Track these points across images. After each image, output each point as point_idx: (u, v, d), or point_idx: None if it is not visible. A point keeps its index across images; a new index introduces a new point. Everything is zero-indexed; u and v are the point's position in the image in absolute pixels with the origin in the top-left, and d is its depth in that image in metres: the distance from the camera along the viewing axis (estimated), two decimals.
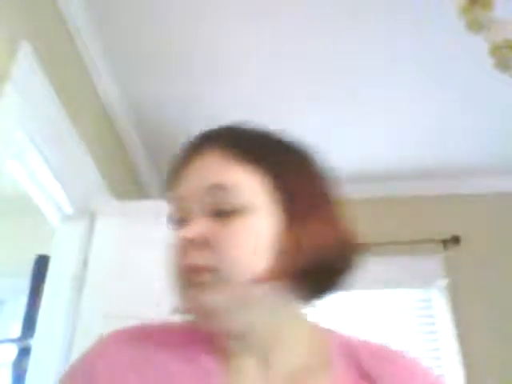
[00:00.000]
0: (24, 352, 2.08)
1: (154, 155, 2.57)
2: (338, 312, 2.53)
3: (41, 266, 2.18)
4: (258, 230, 0.58)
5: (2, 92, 1.34)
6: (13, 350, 2.22)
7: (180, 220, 0.62)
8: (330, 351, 0.65)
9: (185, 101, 2.26)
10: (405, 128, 2.44)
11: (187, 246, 0.58)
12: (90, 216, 1.96)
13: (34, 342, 1.83)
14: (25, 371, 1.86)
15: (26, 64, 1.44)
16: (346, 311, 2.54)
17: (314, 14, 1.87)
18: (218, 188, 0.59)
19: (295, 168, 0.64)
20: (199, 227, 0.59)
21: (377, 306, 2.57)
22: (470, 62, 2.02)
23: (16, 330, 2.46)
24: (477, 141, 2.52)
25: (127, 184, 2.53)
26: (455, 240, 2.62)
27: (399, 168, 2.69)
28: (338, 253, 0.62)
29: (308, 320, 0.67)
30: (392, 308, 2.57)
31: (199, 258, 0.58)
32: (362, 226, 2.80)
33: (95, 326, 1.75)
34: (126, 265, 1.82)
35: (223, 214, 0.58)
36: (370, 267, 2.89)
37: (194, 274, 0.58)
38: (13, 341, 2.34)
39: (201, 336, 0.63)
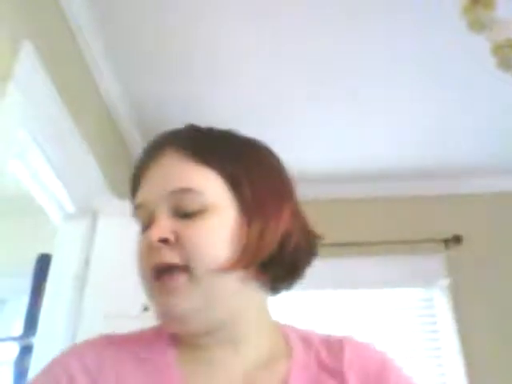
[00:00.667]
0: (26, 350, 2.09)
1: None
2: (339, 311, 2.53)
3: (43, 264, 2.18)
4: (221, 227, 0.61)
5: (4, 91, 1.34)
6: (15, 349, 2.22)
7: (147, 226, 0.64)
8: (290, 341, 0.68)
9: (186, 100, 2.26)
10: (405, 128, 2.44)
11: (154, 247, 0.60)
12: (92, 215, 1.96)
13: (36, 341, 1.84)
14: (26, 369, 1.87)
15: (28, 63, 1.44)
16: (348, 311, 2.55)
17: (314, 14, 1.87)
18: (183, 192, 0.61)
19: (252, 167, 0.66)
20: (166, 227, 0.60)
21: (378, 305, 2.58)
22: (470, 62, 2.02)
23: (18, 329, 2.47)
24: (477, 140, 2.52)
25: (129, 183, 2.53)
26: (457, 239, 2.62)
27: (400, 168, 2.69)
28: (296, 246, 0.65)
29: (269, 312, 0.70)
30: (393, 307, 2.57)
31: (169, 257, 0.59)
32: (363, 226, 2.81)
33: (97, 325, 1.76)
34: (128, 264, 1.81)
35: (188, 214, 0.61)
36: (371, 267, 2.90)
37: (166, 277, 0.59)
38: (15, 339, 2.34)
39: (166, 334, 0.66)
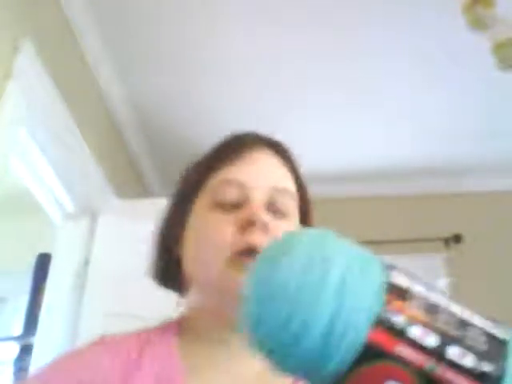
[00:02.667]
0: (26, 350, 2.09)
1: (156, 154, 2.57)
2: None
3: (43, 264, 2.18)
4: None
5: (4, 91, 1.34)
6: (14, 348, 2.23)
7: (234, 202, 0.63)
8: None
9: (187, 100, 2.26)
10: (405, 127, 2.44)
11: (256, 225, 0.60)
12: (92, 215, 1.96)
13: (36, 340, 1.84)
14: (26, 369, 1.87)
15: (28, 63, 1.44)
16: None
17: (313, 11, 1.87)
18: (284, 191, 0.65)
19: (308, 193, 0.73)
20: (268, 218, 0.62)
21: None
22: (471, 61, 2.02)
23: (18, 328, 2.47)
24: (478, 140, 2.52)
25: (129, 183, 2.53)
26: (457, 238, 2.62)
27: (400, 167, 2.69)
28: None
29: None
30: None
31: (264, 241, 0.59)
32: (363, 225, 2.82)
33: (96, 324, 1.76)
34: (128, 263, 1.82)
35: (278, 213, 0.63)
36: None
37: (252, 257, 0.57)
38: (14, 338, 2.35)
39: (172, 328, 0.65)
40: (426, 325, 0.36)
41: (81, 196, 1.93)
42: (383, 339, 0.35)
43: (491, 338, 0.37)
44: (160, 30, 1.94)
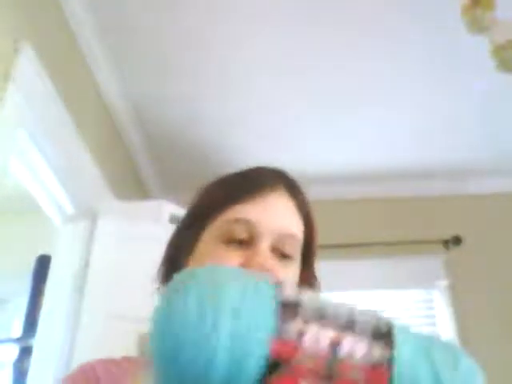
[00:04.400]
0: (25, 352, 2.09)
1: (155, 156, 2.57)
2: None
3: (42, 265, 2.18)
4: (295, 273, 0.70)
5: (4, 92, 1.34)
6: (14, 350, 2.22)
7: (242, 240, 0.67)
8: None
9: (187, 101, 2.26)
10: (405, 128, 2.44)
11: (259, 270, 0.64)
12: (91, 216, 1.96)
13: (35, 342, 1.84)
14: (26, 371, 1.87)
15: (28, 64, 1.44)
16: None
17: (313, 17, 1.87)
18: (292, 238, 0.69)
19: (316, 230, 0.76)
20: (271, 262, 0.66)
21: (378, 306, 2.57)
22: (471, 63, 2.02)
23: (17, 330, 2.47)
24: (477, 141, 2.52)
25: (129, 184, 2.53)
26: (456, 240, 2.62)
27: (399, 168, 2.69)
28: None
29: None
30: (393, 308, 2.57)
31: None
32: (363, 227, 2.81)
33: (96, 326, 1.76)
34: (128, 265, 1.82)
35: (283, 256, 0.68)
36: (371, 268, 2.89)
37: None
38: (14, 340, 2.34)
39: None
40: (317, 332, 0.39)
41: (80, 198, 1.93)
42: (283, 350, 0.38)
43: (377, 330, 0.42)
44: (160, 31, 1.94)
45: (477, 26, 1.34)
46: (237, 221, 0.68)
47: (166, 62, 2.07)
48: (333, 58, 2.05)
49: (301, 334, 0.39)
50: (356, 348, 0.39)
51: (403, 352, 0.40)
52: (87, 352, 1.66)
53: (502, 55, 1.29)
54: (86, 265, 1.87)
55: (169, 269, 0.73)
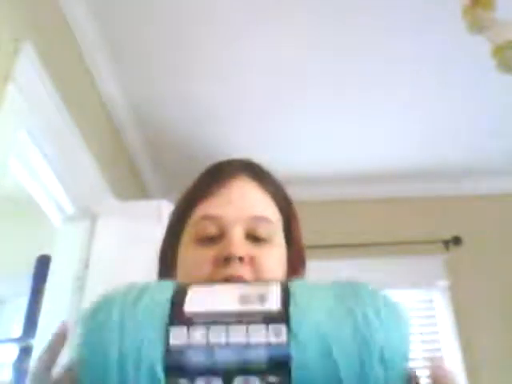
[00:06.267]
0: (25, 352, 2.09)
1: (155, 156, 2.57)
2: None
3: (42, 266, 2.18)
4: (281, 256, 0.70)
5: (4, 92, 1.34)
6: (14, 350, 2.22)
7: (213, 236, 0.67)
8: None
9: (186, 101, 2.26)
10: (405, 128, 2.44)
11: (232, 261, 0.64)
12: (91, 216, 1.96)
13: (35, 342, 1.84)
14: (26, 371, 1.87)
15: (28, 64, 1.44)
16: None
17: (312, 13, 1.87)
18: (261, 219, 0.68)
19: (292, 207, 0.76)
20: (244, 248, 0.65)
21: None
22: (471, 62, 2.02)
23: (17, 330, 2.46)
24: (477, 141, 2.52)
25: (129, 184, 2.53)
26: (456, 241, 2.62)
27: (400, 169, 2.70)
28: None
29: None
30: None
31: (241, 271, 0.63)
32: (363, 227, 2.81)
33: None
34: (128, 265, 1.82)
35: (259, 240, 0.67)
36: (370, 268, 2.89)
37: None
38: (14, 341, 2.34)
39: None
40: (207, 344, 0.42)
41: (80, 198, 1.93)
42: (176, 363, 0.41)
43: (266, 311, 0.45)
44: (161, 32, 1.94)
45: (477, 26, 1.34)
46: (204, 218, 0.68)
47: (165, 62, 2.07)
48: (332, 59, 2.05)
49: (187, 348, 0.42)
50: (247, 331, 0.43)
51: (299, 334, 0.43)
52: None
53: (502, 55, 1.29)
54: (86, 265, 1.87)
55: (164, 274, 0.73)
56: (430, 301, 2.58)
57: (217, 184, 0.70)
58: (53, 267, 1.94)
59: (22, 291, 2.40)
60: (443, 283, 2.55)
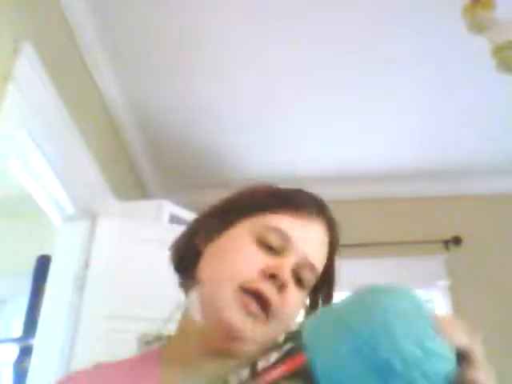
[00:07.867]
0: (25, 352, 2.08)
1: (155, 156, 2.57)
2: None
3: (43, 265, 2.18)
4: (302, 304, 0.72)
5: (4, 92, 1.34)
6: (14, 350, 2.22)
7: (273, 248, 0.69)
8: None
9: (186, 101, 2.26)
10: (405, 129, 2.44)
11: (277, 278, 0.65)
12: (91, 216, 1.96)
13: (36, 342, 1.84)
14: (26, 371, 1.87)
15: (28, 64, 1.44)
16: None
17: (311, 15, 1.87)
18: (313, 270, 0.71)
19: (336, 254, 0.77)
20: (290, 279, 0.67)
21: None
22: (471, 63, 2.02)
23: (17, 330, 2.47)
24: (477, 141, 2.52)
25: (129, 184, 2.53)
26: (456, 241, 2.62)
27: (400, 169, 2.69)
28: None
29: None
30: None
31: (274, 296, 0.65)
32: (363, 227, 2.81)
33: (96, 326, 1.76)
34: (128, 265, 1.82)
35: (300, 282, 0.69)
36: (371, 268, 2.89)
37: (256, 302, 0.64)
38: (14, 340, 2.34)
39: (150, 357, 0.71)
40: None
41: (81, 198, 1.93)
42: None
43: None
44: (161, 32, 1.94)
45: (477, 25, 1.34)
46: (277, 230, 0.69)
47: (165, 62, 2.07)
48: (332, 59, 2.05)
49: None
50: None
51: (306, 329, 0.48)
52: (87, 352, 1.66)
53: (502, 55, 1.30)
54: (86, 265, 1.87)
55: (184, 255, 0.73)
56: (430, 300, 2.58)
57: (303, 208, 0.72)
58: (53, 267, 1.94)
59: (22, 291, 2.40)
60: (443, 283, 2.55)
